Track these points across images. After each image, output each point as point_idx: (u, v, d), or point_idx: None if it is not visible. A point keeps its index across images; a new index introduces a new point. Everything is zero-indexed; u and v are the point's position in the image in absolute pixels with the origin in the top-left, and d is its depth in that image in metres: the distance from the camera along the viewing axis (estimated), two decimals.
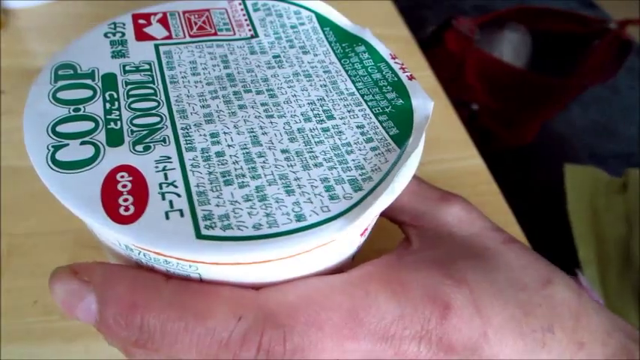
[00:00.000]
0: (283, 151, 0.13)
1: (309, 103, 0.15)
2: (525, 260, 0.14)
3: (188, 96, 0.15)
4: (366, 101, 0.15)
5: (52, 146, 0.13)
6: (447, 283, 0.13)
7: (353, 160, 0.13)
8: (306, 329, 0.12)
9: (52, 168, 0.12)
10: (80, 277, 0.12)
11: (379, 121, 0.14)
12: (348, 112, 0.15)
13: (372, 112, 0.15)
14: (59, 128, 0.13)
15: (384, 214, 0.17)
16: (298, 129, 0.14)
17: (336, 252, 0.13)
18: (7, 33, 0.36)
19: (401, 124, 0.14)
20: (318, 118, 0.14)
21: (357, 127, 0.14)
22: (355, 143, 0.14)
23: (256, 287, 0.12)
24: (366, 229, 0.14)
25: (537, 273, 0.14)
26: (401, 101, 0.15)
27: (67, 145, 0.13)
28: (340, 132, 0.14)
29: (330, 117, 0.15)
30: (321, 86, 0.16)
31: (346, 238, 0.13)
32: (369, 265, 0.13)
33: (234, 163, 0.13)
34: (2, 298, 0.21)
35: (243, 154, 0.13)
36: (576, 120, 0.90)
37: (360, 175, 0.13)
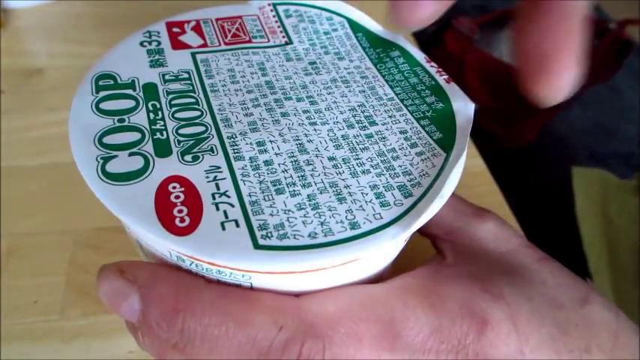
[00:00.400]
0: (330, 159, 0.13)
1: (350, 110, 0.15)
2: (562, 279, 0.14)
3: (230, 104, 0.15)
4: (405, 106, 0.15)
5: (101, 158, 0.12)
6: (484, 297, 0.13)
7: (400, 166, 0.13)
8: (345, 340, 0.12)
9: (103, 180, 0.12)
10: (126, 276, 0.12)
11: (421, 125, 0.14)
12: (390, 117, 0.15)
13: (413, 116, 0.15)
14: (106, 139, 0.13)
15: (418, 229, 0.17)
16: (342, 136, 0.14)
17: (383, 258, 0.13)
18: (7, 33, 0.36)
19: (444, 128, 0.14)
20: (360, 125, 0.14)
21: (400, 132, 0.14)
22: (400, 149, 0.14)
23: (298, 293, 0.13)
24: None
25: (574, 292, 0.14)
26: (441, 105, 0.15)
27: (116, 156, 0.13)
28: (384, 138, 0.14)
29: (373, 123, 0.14)
30: (359, 92, 0.16)
31: (396, 244, 0.13)
32: (407, 277, 0.13)
33: (283, 171, 0.13)
34: (2, 298, 0.21)
35: (292, 162, 0.13)
36: (576, 120, 0.90)
37: (408, 181, 0.13)
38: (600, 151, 0.83)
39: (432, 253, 0.17)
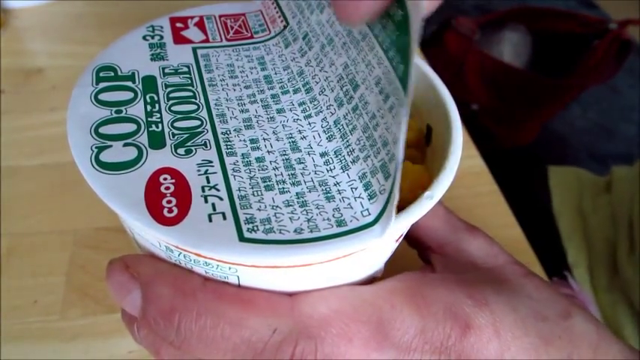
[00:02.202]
0: (322, 155, 0.13)
1: (338, 80, 0.15)
2: (546, 293, 0.15)
3: (227, 99, 0.15)
4: (376, 37, 0.13)
5: (96, 147, 0.13)
6: (468, 303, 0.13)
7: (380, 136, 0.13)
8: (337, 341, 0.12)
9: (96, 169, 0.12)
10: (130, 271, 0.13)
11: (389, 59, 0.13)
12: (366, 67, 0.14)
13: (383, 49, 0.13)
14: (102, 130, 0.13)
15: (409, 239, 0.17)
16: (334, 121, 0.14)
17: (372, 257, 0.13)
18: (7, 33, 0.36)
19: (402, 49, 0.12)
20: (347, 97, 0.14)
21: (376, 84, 0.13)
22: (378, 110, 0.13)
23: (291, 292, 0.13)
24: (401, 236, 0.14)
25: (558, 306, 0.14)
26: (400, 12, 0.12)
27: (111, 146, 0.13)
28: (366, 103, 0.14)
29: (356, 87, 0.14)
30: (342, 47, 0.15)
31: (383, 243, 0.13)
32: (394, 280, 0.14)
33: (274, 169, 0.13)
34: (2, 298, 0.21)
35: (283, 160, 0.13)
36: (576, 120, 0.90)
37: (386, 154, 0.13)
38: (600, 151, 0.83)
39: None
